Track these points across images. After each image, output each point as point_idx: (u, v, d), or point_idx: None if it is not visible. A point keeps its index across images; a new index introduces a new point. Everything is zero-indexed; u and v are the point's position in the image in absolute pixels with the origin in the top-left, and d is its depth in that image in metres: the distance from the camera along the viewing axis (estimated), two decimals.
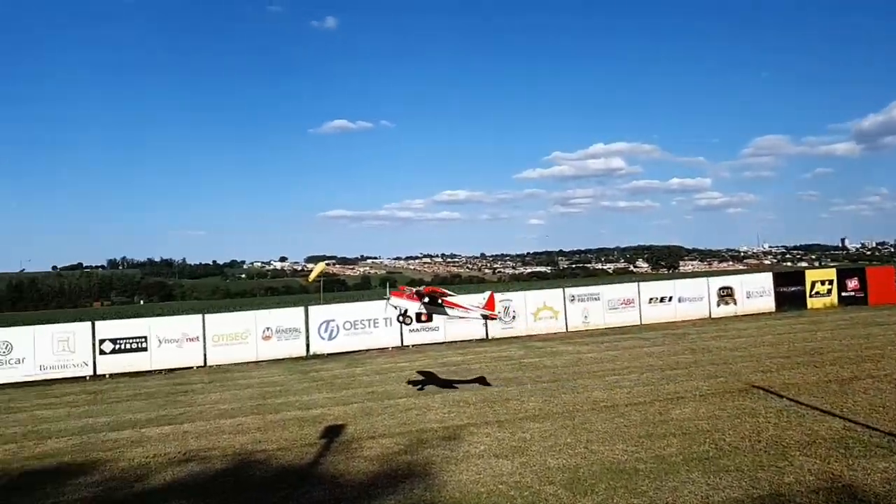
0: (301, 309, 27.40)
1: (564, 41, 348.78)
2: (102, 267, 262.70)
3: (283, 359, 25.92)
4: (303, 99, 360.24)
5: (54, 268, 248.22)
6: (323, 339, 26.86)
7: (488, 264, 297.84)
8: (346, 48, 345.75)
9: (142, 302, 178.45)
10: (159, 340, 25.25)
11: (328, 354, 26.40)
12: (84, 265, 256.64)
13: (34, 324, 26.67)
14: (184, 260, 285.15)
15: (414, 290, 17.41)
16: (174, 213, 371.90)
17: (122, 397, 19.31)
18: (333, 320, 27.13)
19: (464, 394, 16.19)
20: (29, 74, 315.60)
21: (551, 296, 30.35)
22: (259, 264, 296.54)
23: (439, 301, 17.66)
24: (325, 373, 21.77)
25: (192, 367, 25.10)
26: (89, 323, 25.57)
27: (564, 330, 29.66)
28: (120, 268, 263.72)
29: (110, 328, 25.41)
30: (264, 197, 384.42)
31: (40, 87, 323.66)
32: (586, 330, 29.64)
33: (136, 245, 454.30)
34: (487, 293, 18.68)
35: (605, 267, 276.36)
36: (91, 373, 24.41)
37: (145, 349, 25.08)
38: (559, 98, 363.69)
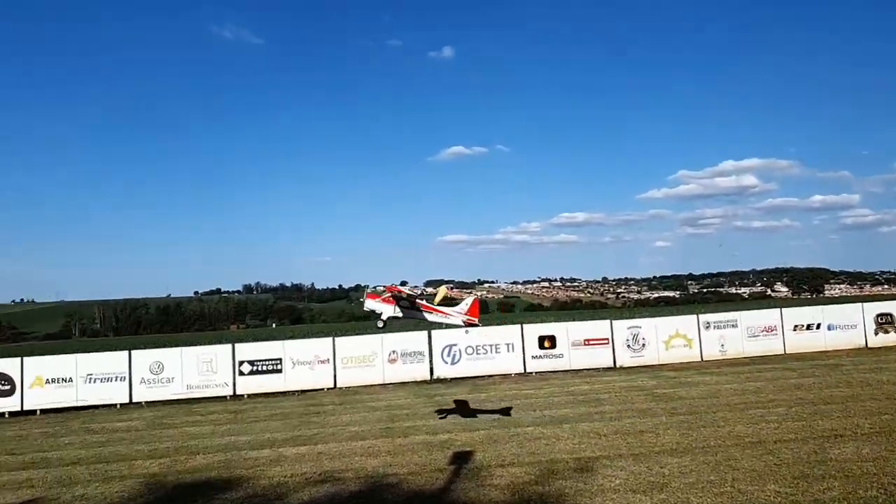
0: (424, 333, 27.72)
1: (685, 51, 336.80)
2: (238, 292, 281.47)
3: (408, 382, 26.28)
4: (421, 128, 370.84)
5: (196, 293, 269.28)
6: (446, 363, 26.99)
7: (611, 289, 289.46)
8: (462, 76, 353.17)
9: (274, 325, 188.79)
10: (293, 362, 26.39)
11: (451, 379, 26.46)
12: (222, 290, 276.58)
13: (180, 345, 28.69)
14: (312, 284, 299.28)
15: (388, 294, 16.57)
16: (303, 241, 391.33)
17: (259, 417, 20.26)
18: (456, 345, 27.21)
19: (593, 424, 15.58)
20: (170, 109, 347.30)
21: (684, 323, 28.80)
22: (381, 288, 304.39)
23: (417, 305, 17.16)
24: (449, 398, 21.78)
25: (323, 389, 25.99)
26: (230, 345, 27.20)
27: (699, 359, 28.00)
28: (254, 292, 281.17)
29: (248, 350, 26.88)
30: (385, 223, 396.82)
31: (185, 121, 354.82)
32: (723, 359, 27.82)
33: (269, 271, 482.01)
34: (471, 298, 18.41)
35: (739, 291, 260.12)
36: (231, 392, 25.88)
37: (280, 371, 26.28)
38: (683, 113, 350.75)
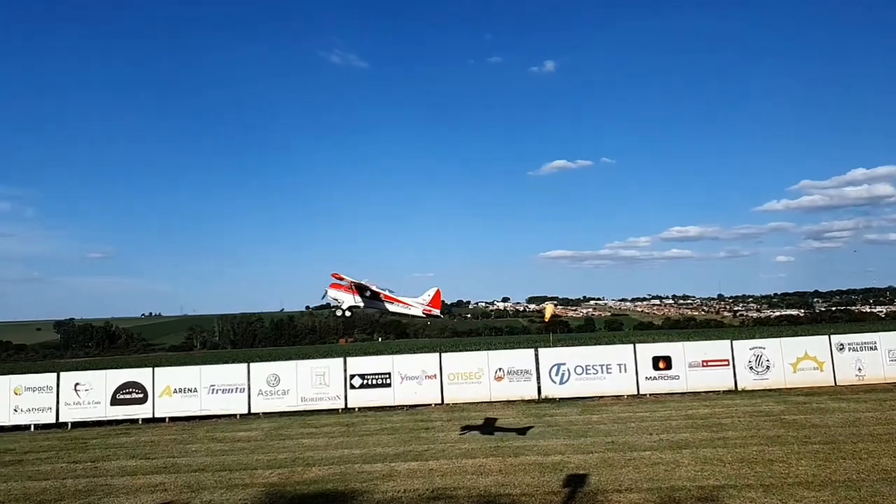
0: (531, 351, 27.30)
1: (803, 51, 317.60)
2: None
3: (515, 400, 25.91)
4: (522, 142, 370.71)
5: (307, 307, 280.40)
6: (554, 382, 26.41)
7: (727, 306, 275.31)
8: (564, 89, 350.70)
9: (380, 339, 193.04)
10: (401, 377, 26.70)
11: (559, 399, 25.84)
12: (331, 305, 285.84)
13: (293, 358, 29.75)
14: None
15: (351, 282, 16.17)
16: (407, 256, 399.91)
17: (370, 431, 20.58)
18: (564, 364, 26.58)
19: (716, 450, 14.66)
20: (282, 130, 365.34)
21: (814, 344, 26.72)
22: (483, 304, 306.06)
23: (380, 297, 16.59)
24: (559, 417, 21.26)
25: (430, 405, 26.10)
26: (341, 359, 27.89)
27: (832, 383, 25.88)
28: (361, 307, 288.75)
29: (359, 364, 27.44)
30: (487, 238, 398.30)
31: (296, 142, 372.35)
32: (860, 384, 25.58)
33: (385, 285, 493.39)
34: (433, 290, 18.44)
35: (875, 310, 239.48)
36: (343, 406, 26.49)
37: (389, 385, 26.65)
38: (804, 119, 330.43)
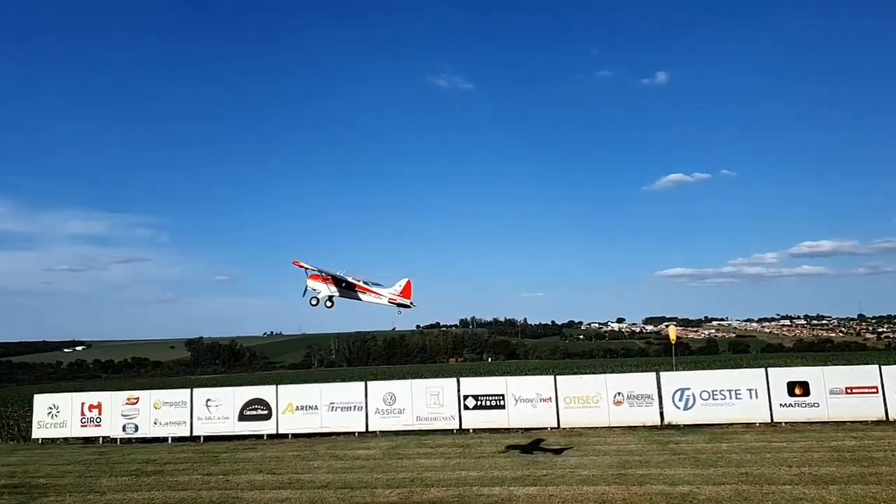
0: (652, 374, 26.09)
1: None
2: (455, 326, 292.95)
3: (635, 426, 24.79)
4: (635, 156, 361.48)
5: (417, 326, 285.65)
6: (678, 408, 25.06)
7: (869, 327, 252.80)
8: (678, 101, 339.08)
9: (490, 359, 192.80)
10: (515, 399, 26.29)
11: (684, 425, 24.47)
12: (440, 324, 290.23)
13: (407, 377, 30.06)
14: (525, 320, 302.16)
15: (329, 273, 18.85)
16: (516, 276, 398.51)
17: (486, 453, 20.32)
18: (689, 388, 25.18)
19: (868, 487, 13.33)
20: (392, 157, 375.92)
21: None
22: (596, 325, 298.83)
23: (354, 287, 19.08)
24: (685, 445, 20.10)
25: (546, 428, 25.50)
26: (455, 379, 27.91)
27: None
28: (470, 327, 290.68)
29: (472, 385, 27.33)
30: (599, 257, 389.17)
31: (406, 167, 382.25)
32: None
33: (484, 306, 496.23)
34: (404, 280, 19.33)
35: None
36: (457, 426, 26.41)
37: (503, 407, 26.31)
38: None
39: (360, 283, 19.20)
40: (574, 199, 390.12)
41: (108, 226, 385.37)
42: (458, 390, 26.86)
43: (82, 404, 28.86)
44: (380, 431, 26.54)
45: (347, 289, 18.99)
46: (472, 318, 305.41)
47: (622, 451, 19.66)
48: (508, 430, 25.68)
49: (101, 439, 28.13)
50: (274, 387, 28.34)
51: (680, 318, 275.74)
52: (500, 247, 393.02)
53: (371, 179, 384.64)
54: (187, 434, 27.58)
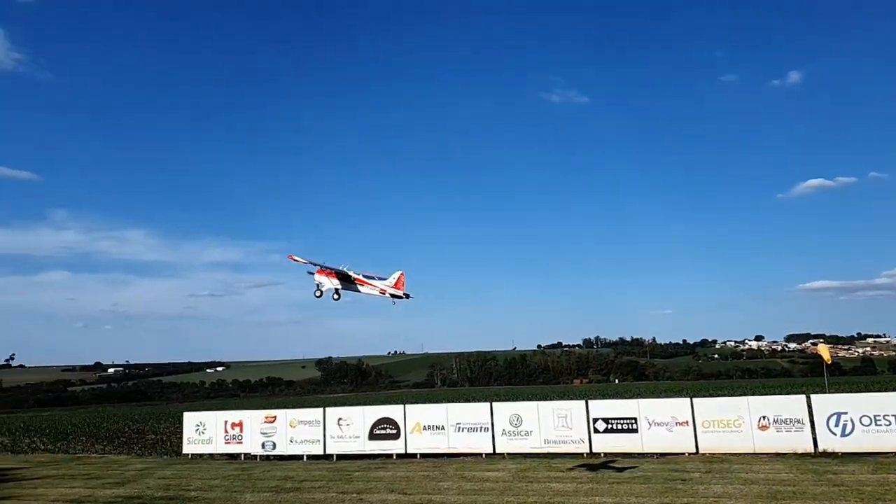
0: (801, 397, 23.96)
1: None
2: (579, 346, 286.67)
3: (785, 453, 22.79)
4: (768, 163, 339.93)
5: (539, 346, 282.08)
6: (834, 434, 22.77)
7: None
8: (814, 101, 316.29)
9: (617, 380, 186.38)
10: (648, 422, 25.01)
11: (842, 454, 22.19)
12: (563, 344, 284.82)
13: (530, 398, 29.45)
14: (653, 339, 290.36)
15: (332, 268, 20.94)
16: (642, 293, 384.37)
17: (621, 478, 19.43)
18: (846, 413, 22.82)
19: None
20: (502, 173, 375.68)
21: None
22: (732, 343, 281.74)
23: (353, 280, 21.11)
24: (845, 476, 18.19)
25: (683, 454, 24.04)
26: (583, 401, 27.00)
27: None
28: (594, 347, 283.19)
29: (602, 407, 26.32)
30: (732, 270, 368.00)
31: (518, 185, 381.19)
32: None
33: (608, 325, 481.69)
34: (398, 273, 21.40)
35: None
36: (587, 450, 25.47)
37: (635, 430, 25.11)
38: None
39: (360, 277, 22.07)
40: (703, 211, 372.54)
41: (244, 253, 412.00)
42: (587, 412, 25.95)
43: (225, 422, 30.66)
44: (507, 453, 26.14)
45: (348, 282, 21.88)
46: (597, 337, 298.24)
47: (772, 479, 18.10)
48: (642, 454, 24.45)
49: (242, 456, 29.69)
50: (402, 406, 28.74)
51: (828, 334, 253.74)
52: (625, 263, 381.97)
53: (483, 195, 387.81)
54: (321, 452, 28.50)
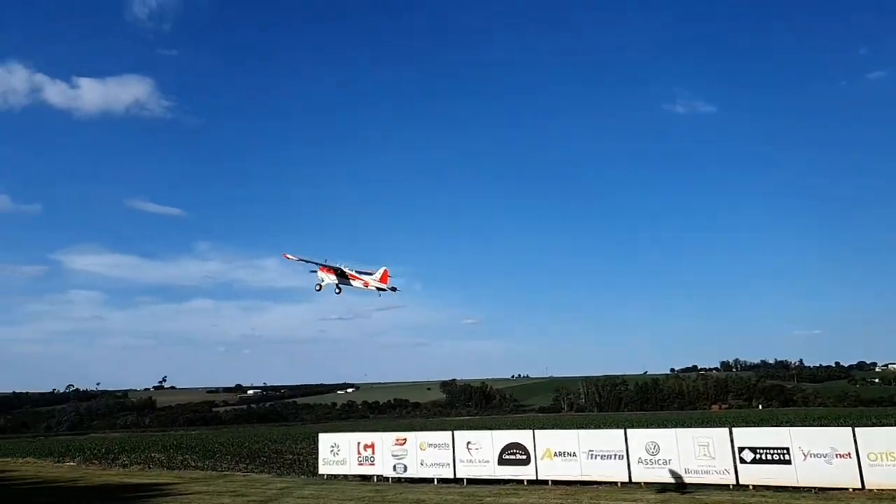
0: None
1: None
2: (716, 369, 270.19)
3: None
4: None
5: (672, 370, 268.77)
6: None
7: None
8: None
9: (759, 406, 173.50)
10: (803, 453, 22.85)
11: None
12: (698, 367, 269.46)
13: (666, 426, 27.86)
14: (800, 361, 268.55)
15: (331, 266, 24.39)
16: (786, 312, 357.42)
17: None
18: None
19: None
20: (627, 196, 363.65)
21: None
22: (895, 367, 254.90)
23: (347, 276, 24.64)
24: None
25: (846, 489, 21.70)
26: (726, 429, 25.20)
27: None
28: (733, 370, 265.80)
29: (748, 436, 24.41)
30: (891, 286, 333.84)
31: (646, 206, 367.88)
32: None
33: (748, 346, 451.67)
34: (382, 269, 25.16)
35: None
36: (733, 481, 23.67)
37: (788, 462, 23.03)
38: None
39: (352, 273, 25.79)
40: (853, 219, 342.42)
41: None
42: (731, 441, 24.16)
43: (358, 443, 31.37)
44: (644, 482, 24.81)
45: (343, 277, 25.42)
46: (736, 359, 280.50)
47: None
48: (797, 488, 22.35)
49: (375, 478, 30.20)
50: (531, 432, 28.17)
51: None
52: (764, 279, 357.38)
53: (609, 212, 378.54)
54: (451, 476, 28.40)
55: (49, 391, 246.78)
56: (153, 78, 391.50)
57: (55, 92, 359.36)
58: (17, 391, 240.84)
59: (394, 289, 26.70)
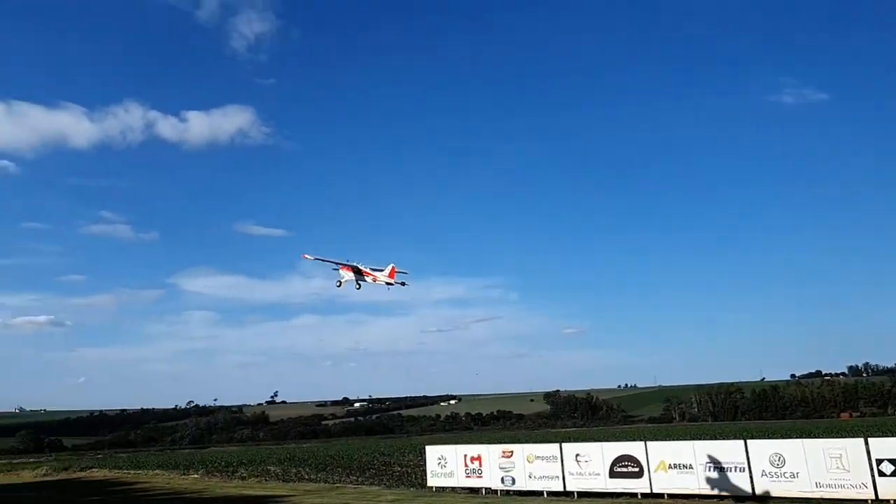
0: None
1: None
2: (843, 374, 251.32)
3: None
4: None
5: (793, 376, 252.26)
6: None
7: None
8: None
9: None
10: None
11: None
12: (822, 373, 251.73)
13: (790, 436, 26.07)
14: None
15: (349, 264, 28.19)
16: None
17: None
18: None
19: None
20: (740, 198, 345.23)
21: None
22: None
23: (362, 273, 28.25)
24: None
25: None
26: (860, 439, 23.27)
27: None
28: (863, 375, 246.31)
29: (887, 447, 22.40)
30: None
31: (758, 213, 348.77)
32: None
33: (879, 349, 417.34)
34: (390, 266, 29.15)
35: None
36: (871, 496, 21.79)
37: None
38: None
39: (366, 270, 29.22)
40: None
41: (466, 289, 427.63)
42: (868, 452, 22.26)
43: (465, 456, 31.32)
44: (770, 496, 23.29)
45: (360, 274, 28.53)
46: (866, 364, 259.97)
47: None
48: None
49: (483, 490, 30.01)
50: (643, 443, 27.12)
51: None
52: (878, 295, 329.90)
53: (719, 210, 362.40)
54: (560, 489, 27.78)
55: (172, 407, 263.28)
56: (253, 106, 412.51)
57: (166, 126, 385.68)
58: (145, 407, 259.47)
59: (403, 283, 30.41)
